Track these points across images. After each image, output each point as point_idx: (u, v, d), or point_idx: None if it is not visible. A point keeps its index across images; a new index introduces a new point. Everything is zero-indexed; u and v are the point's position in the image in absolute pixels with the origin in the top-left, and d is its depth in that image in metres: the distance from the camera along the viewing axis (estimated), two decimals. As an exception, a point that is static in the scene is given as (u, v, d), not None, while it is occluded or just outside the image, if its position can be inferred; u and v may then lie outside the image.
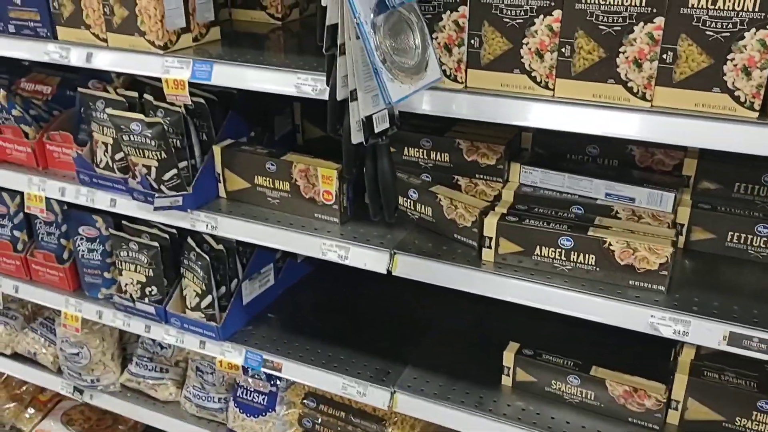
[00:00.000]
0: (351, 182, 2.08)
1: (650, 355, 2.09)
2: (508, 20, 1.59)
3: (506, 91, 1.65)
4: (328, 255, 2.01)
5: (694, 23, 1.43)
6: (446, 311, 2.51)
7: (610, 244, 1.74)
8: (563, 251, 1.78)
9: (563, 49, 1.56)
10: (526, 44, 1.60)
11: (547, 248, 1.80)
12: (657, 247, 1.70)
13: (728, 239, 1.88)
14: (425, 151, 2.11)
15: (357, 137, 1.57)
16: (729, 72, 1.43)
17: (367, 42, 1.43)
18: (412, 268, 1.91)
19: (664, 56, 1.48)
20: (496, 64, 1.65)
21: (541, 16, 1.56)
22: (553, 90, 1.60)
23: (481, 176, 2.07)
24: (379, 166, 1.65)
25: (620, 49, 1.51)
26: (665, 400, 1.89)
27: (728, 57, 1.42)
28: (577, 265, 1.78)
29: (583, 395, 2.00)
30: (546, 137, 2.11)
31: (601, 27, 1.51)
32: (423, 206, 2.03)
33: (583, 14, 1.51)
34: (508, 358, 2.08)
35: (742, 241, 1.87)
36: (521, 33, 1.59)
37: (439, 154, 2.10)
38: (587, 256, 1.77)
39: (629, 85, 1.52)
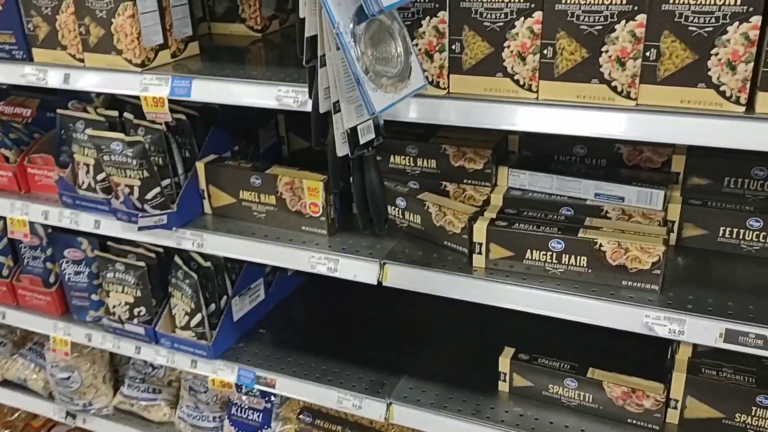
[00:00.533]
0: (338, 193, 2.06)
1: (647, 355, 2.07)
2: (488, 24, 1.58)
3: (490, 96, 1.63)
4: (317, 268, 1.98)
5: (676, 19, 1.41)
6: (439, 319, 2.48)
7: (601, 245, 1.72)
8: (554, 254, 1.77)
9: (545, 51, 1.54)
10: (508, 47, 1.58)
11: (538, 252, 1.78)
12: (648, 246, 1.68)
13: (720, 234, 1.87)
14: (411, 158, 2.10)
15: (342, 149, 1.55)
16: (714, 67, 1.42)
17: (348, 52, 1.40)
18: (403, 277, 1.89)
19: (648, 54, 1.46)
20: (478, 69, 1.63)
21: (522, 19, 1.54)
22: (537, 92, 1.59)
23: (469, 181, 2.05)
24: (366, 177, 1.62)
25: (603, 49, 1.49)
26: (664, 400, 1.87)
27: (712, 52, 1.41)
28: (569, 267, 1.76)
29: (581, 398, 1.98)
30: (533, 139, 2.10)
31: (582, 27, 1.49)
32: (412, 214, 2.01)
33: (563, 15, 1.50)
34: (504, 363, 2.06)
35: (734, 236, 1.85)
36: (502, 36, 1.57)
37: (425, 160, 2.08)
38: (579, 258, 1.75)
39: (613, 84, 1.51)
